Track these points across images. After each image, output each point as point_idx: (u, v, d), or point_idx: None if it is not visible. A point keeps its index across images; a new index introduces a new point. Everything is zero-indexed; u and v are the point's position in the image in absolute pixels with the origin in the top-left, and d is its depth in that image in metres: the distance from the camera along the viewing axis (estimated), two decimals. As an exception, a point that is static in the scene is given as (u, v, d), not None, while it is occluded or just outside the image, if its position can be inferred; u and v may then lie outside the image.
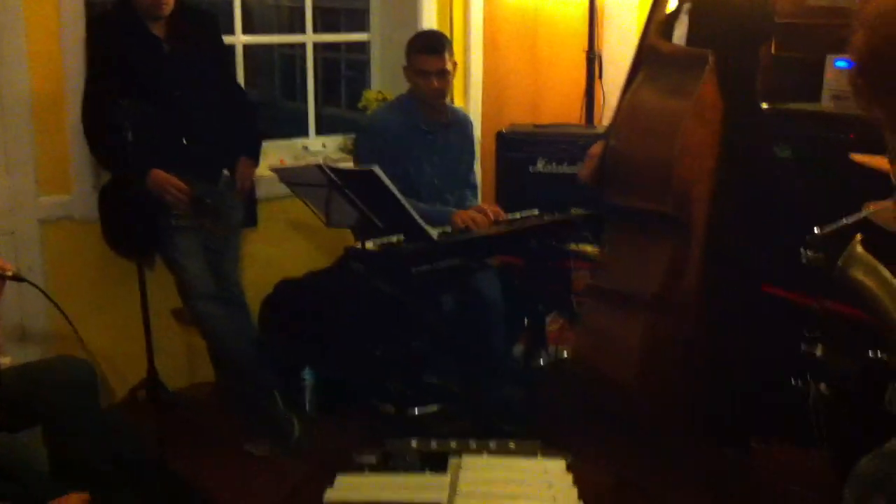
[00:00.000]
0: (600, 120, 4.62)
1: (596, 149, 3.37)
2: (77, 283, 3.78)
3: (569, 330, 4.07)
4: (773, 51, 3.54)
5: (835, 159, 2.97)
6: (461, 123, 3.98)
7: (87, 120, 3.44)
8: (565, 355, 3.97)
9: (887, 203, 1.98)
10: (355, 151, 3.97)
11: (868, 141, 2.23)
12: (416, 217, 3.29)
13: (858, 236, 1.86)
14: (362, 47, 4.89)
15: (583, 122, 4.68)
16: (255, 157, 3.73)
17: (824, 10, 3.54)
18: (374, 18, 4.76)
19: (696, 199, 3.18)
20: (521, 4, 4.84)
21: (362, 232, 3.41)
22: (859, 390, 2.83)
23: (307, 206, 3.51)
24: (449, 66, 3.72)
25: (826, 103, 3.50)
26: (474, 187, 4.10)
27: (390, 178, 3.20)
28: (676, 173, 3.10)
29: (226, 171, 3.66)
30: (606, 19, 4.80)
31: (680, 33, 3.38)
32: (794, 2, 3.62)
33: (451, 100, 4.13)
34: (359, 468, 1.62)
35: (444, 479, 1.53)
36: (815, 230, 2.66)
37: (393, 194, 3.22)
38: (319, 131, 4.66)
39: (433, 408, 3.73)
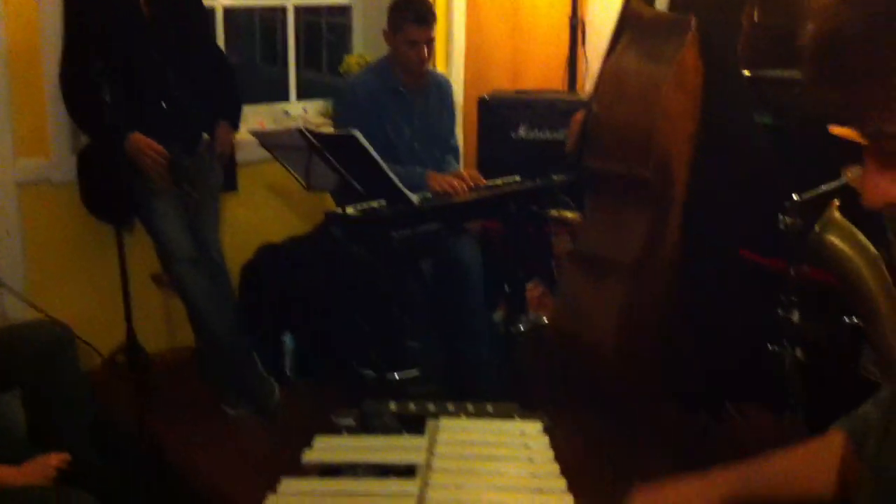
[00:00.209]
0: (583, 86, 4.61)
1: (580, 115, 3.37)
2: (55, 247, 3.76)
3: (549, 297, 4.08)
4: (755, 17, 3.53)
5: (814, 126, 2.97)
6: (440, 87, 3.96)
7: (65, 82, 3.39)
8: (545, 321, 3.99)
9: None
10: (334, 115, 3.95)
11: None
12: (397, 181, 3.29)
13: (836, 201, 1.86)
14: (344, 11, 4.85)
15: (565, 88, 4.67)
16: (235, 122, 3.69)
17: (807, -24, 3.53)
18: (357, -18, 4.72)
19: (675, 164, 3.19)
20: (504, -31, 4.81)
21: (343, 196, 3.40)
22: (834, 355, 2.87)
23: (287, 170, 3.50)
24: (434, 35, 3.71)
25: (807, 70, 3.50)
26: (456, 151, 4.09)
27: (369, 142, 3.19)
28: (656, 139, 3.11)
29: (205, 135, 3.63)
30: (590, -15, 4.78)
31: (662, -1, 3.38)
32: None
33: (434, 65, 4.11)
34: (337, 430, 1.63)
35: (422, 441, 1.54)
36: (794, 197, 2.68)
37: (373, 158, 3.22)
38: (300, 96, 4.63)
39: (413, 372, 3.74)
